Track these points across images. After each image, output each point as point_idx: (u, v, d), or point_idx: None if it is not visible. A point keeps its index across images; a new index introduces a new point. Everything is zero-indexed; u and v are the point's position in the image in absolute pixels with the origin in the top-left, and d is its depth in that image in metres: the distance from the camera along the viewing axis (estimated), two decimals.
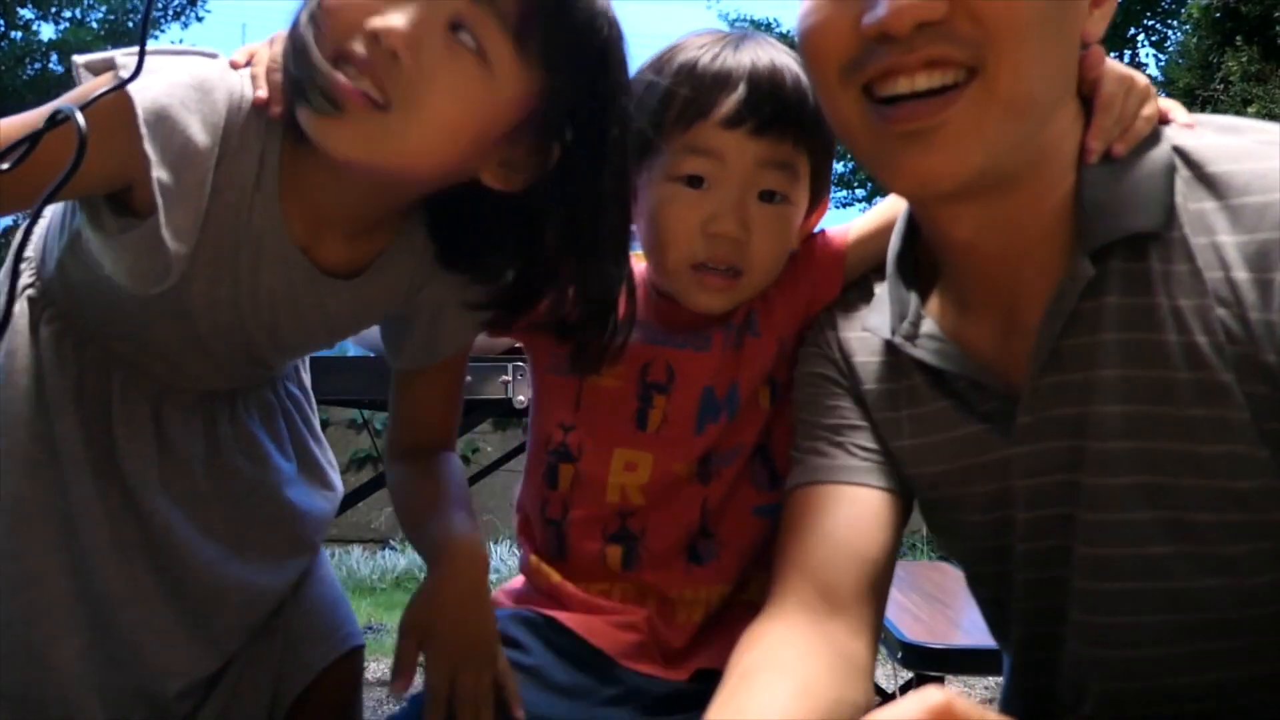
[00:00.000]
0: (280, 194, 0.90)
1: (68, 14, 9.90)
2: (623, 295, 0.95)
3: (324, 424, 4.91)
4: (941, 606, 1.87)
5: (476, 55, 0.79)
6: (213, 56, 0.91)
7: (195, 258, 0.89)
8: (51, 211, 1.03)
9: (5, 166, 0.78)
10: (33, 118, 0.84)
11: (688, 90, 0.92)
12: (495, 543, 4.86)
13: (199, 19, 10.28)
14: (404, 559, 4.82)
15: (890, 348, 0.89)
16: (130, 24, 9.62)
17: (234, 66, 0.90)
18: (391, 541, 5.16)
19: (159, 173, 0.82)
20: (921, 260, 0.90)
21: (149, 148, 0.82)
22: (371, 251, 0.97)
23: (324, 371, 1.74)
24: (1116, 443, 0.78)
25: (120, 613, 1.03)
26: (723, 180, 0.93)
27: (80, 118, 0.75)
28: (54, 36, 9.78)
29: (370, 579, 4.66)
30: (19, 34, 9.66)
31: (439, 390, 1.08)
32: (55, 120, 0.78)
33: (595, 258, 0.90)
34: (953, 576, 2.26)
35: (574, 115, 0.85)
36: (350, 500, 1.80)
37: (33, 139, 0.78)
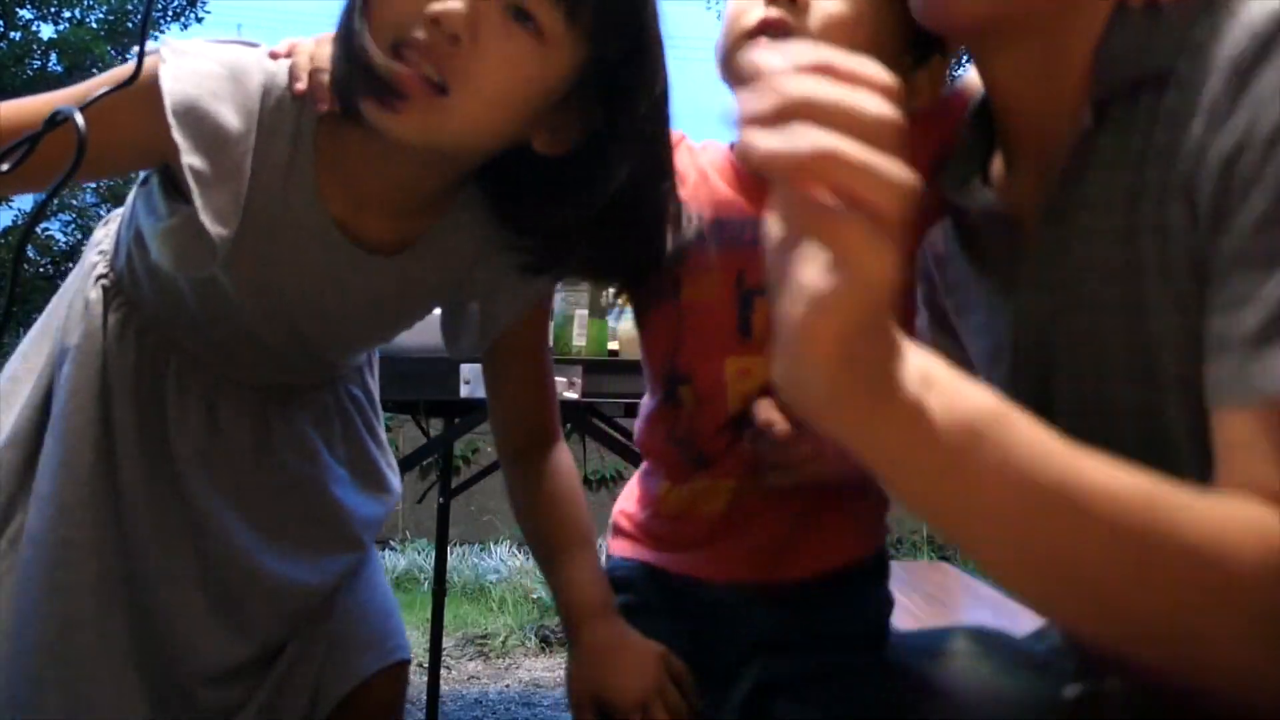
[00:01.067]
0: (318, 174, 0.92)
1: (67, 14, 9.90)
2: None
3: None
4: (941, 606, 1.87)
5: (532, 33, 0.81)
6: (253, 46, 0.94)
7: (239, 241, 0.91)
8: (128, 203, 1.06)
9: (5, 168, 0.78)
10: (30, 109, 0.85)
11: None
12: (495, 543, 4.86)
13: (199, 19, 10.28)
14: (404, 559, 4.81)
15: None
16: (130, 24, 9.63)
17: (273, 56, 0.93)
18: (391, 542, 5.15)
19: (190, 159, 0.84)
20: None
21: (177, 136, 0.84)
22: (418, 230, 0.98)
23: None
24: (1103, 288, 0.74)
25: (157, 593, 1.04)
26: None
27: (79, 118, 0.75)
28: (53, 36, 9.78)
29: None
30: (18, 33, 9.66)
31: (524, 375, 1.08)
32: (55, 121, 0.78)
33: (644, 206, 0.92)
34: (953, 576, 2.26)
35: (617, 76, 0.87)
36: None
37: (32, 140, 0.78)
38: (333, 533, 1.15)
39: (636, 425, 1.09)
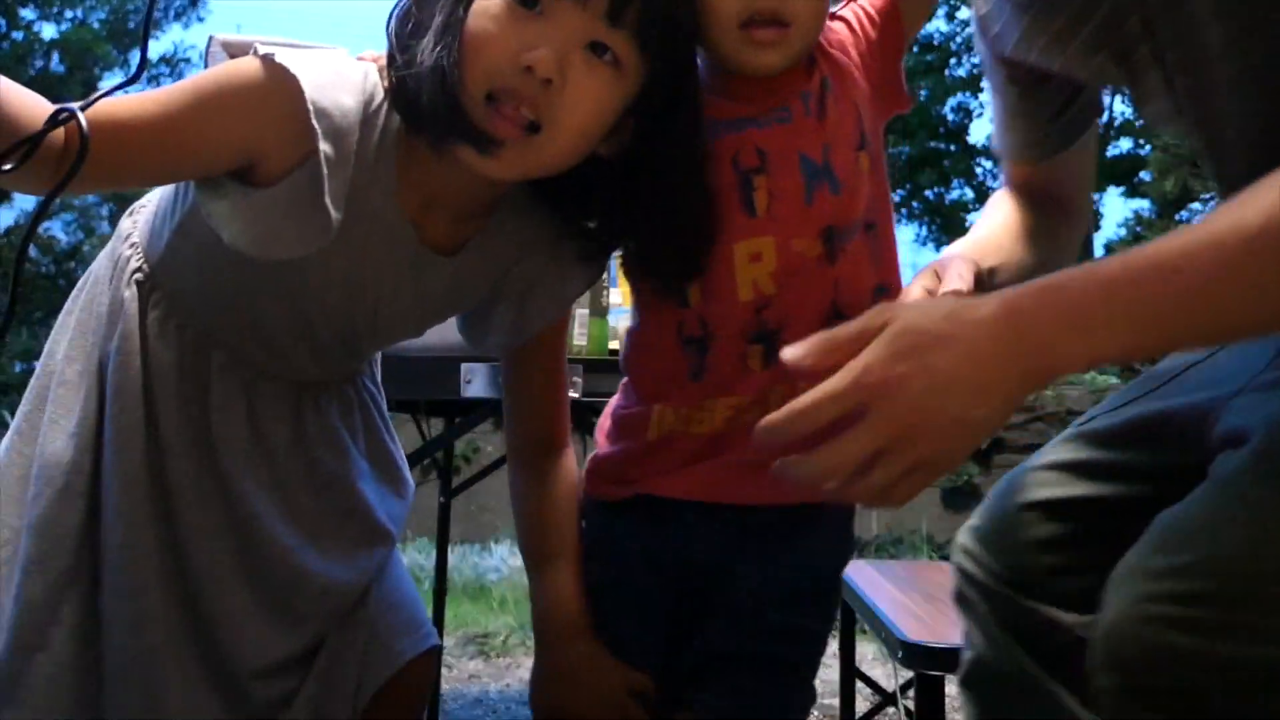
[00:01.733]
0: (397, 173, 0.96)
1: (69, 14, 9.92)
2: None
3: None
4: (942, 606, 1.87)
5: (610, 64, 0.89)
6: (333, 49, 0.98)
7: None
8: (160, 194, 1.07)
9: (7, 167, 0.78)
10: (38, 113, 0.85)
11: None
12: (495, 542, 4.87)
13: (200, 19, 10.30)
14: (404, 558, 4.81)
15: None
16: (131, 24, 9.64)
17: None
18: None
19: (324, 145, 0.89)
20: None
21: (316, 123, 0.89)
22: (472, 231, 1.02)
23: None
24: None
25: (205, 590, 1.06)
26: None
27: (83, 118, 0.76)
28: (55, 36, 9.80)
29: None
30: (20, 33, 9.67)
31: (543, 379, 1.12)
32: (56, 120, 0.78)
33: (684, 194, 0.97)
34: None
35: (670, 80, 0.94)
36: None
37: (34, 139, 0.79)
38: (365, 529, 1.16)
39: (623, 351, 1.09)
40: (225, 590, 1.07)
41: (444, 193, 0.99)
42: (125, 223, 1.12)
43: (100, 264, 1.12)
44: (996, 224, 1.15)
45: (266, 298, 1.03)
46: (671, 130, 0.95)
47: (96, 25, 9.79)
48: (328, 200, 0.91)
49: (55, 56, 9.47)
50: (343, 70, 0.94)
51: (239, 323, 1.06)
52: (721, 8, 0.94)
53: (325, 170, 0.90)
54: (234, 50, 0.94)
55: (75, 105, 0.82)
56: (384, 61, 0.95)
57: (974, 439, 0.74)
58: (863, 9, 1.06)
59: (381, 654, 1.16)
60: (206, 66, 0.97)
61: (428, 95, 0.88)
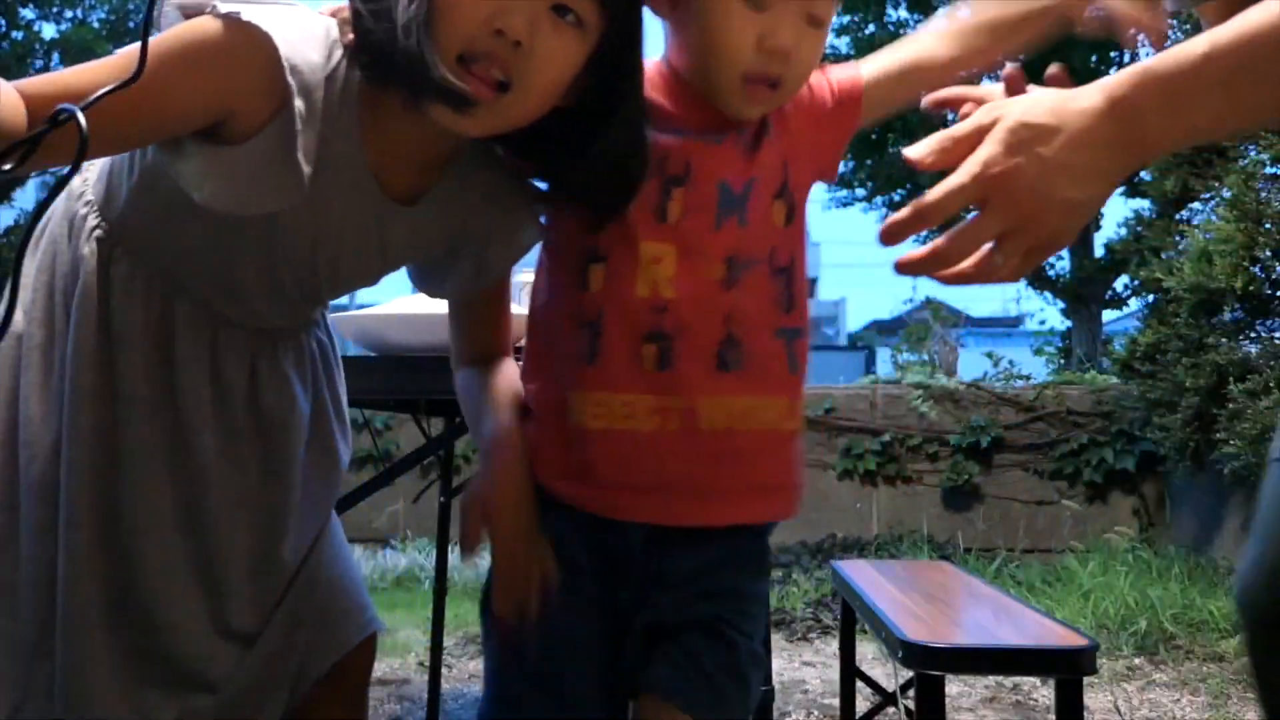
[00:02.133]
0: (361, 125, 0.99)
1: (69, 14, 9.91)
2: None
3: None
4: (942, 605, 1.87)
5: (574, 25, 0.93)
6: (291, 4, 0.99)
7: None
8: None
9: (8, 167, 0.78)
10: (102, 69, 0.88)
11: None
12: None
13: None
14: (404, 558, 4.82)
15: None
16: (131, 24, 9.64)
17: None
18: (392, 541, 5.16)
19: (298, 102, 0.92)
20: None
21: (290, 79, 0.91)
22: (431, 182, 1.06)
23: None
24: None
25: (142, 546, 1.07)
26: (786, 2, 1.00)
27: (82, 119, 0.76)
28: (55, 36, 9.79)
29: (371, 578, 4.66)
30: (20, 33, 9.66)
31: (490, 314, 1.18)
32: (57, 120, 0.78)
33: (629, 134, 1.01)
34: (952, 576, 2.26)
35: (621, 34, 0.99)
36: (351, 500, 1.80)
37: (34, 139, 0.79)
38: (310, 474, 1.18)
39: (526, 333, 1.13)
40: (161, 542, 1.07)
41: (405, 145, 1.02)
42: (76, 181, 1.11)
43: (56, 224, 1.11)
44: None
45: (234, 250, 1.04)
46: (623, 77, 1.00)
47: (96, 25, 9.79)
48: (300, 156, 0.93)
49: (55, 56, 9.47)
50: (308, 26, 0.96)
51: (205, 274, 1.07)
52: (734, 58, 1.01)
53: (299, 126, 0.92)
54: (189, 11, 0.94)
55: (74, 105, 0.82)
56: (344, 14, 0.97)
57: (1083, 219, 0.85)
58: (830, 81, 1.12)
59: (325, 640, 1.18)
60: (160, 29, 0.96)
61: (400, 55, 0.90)
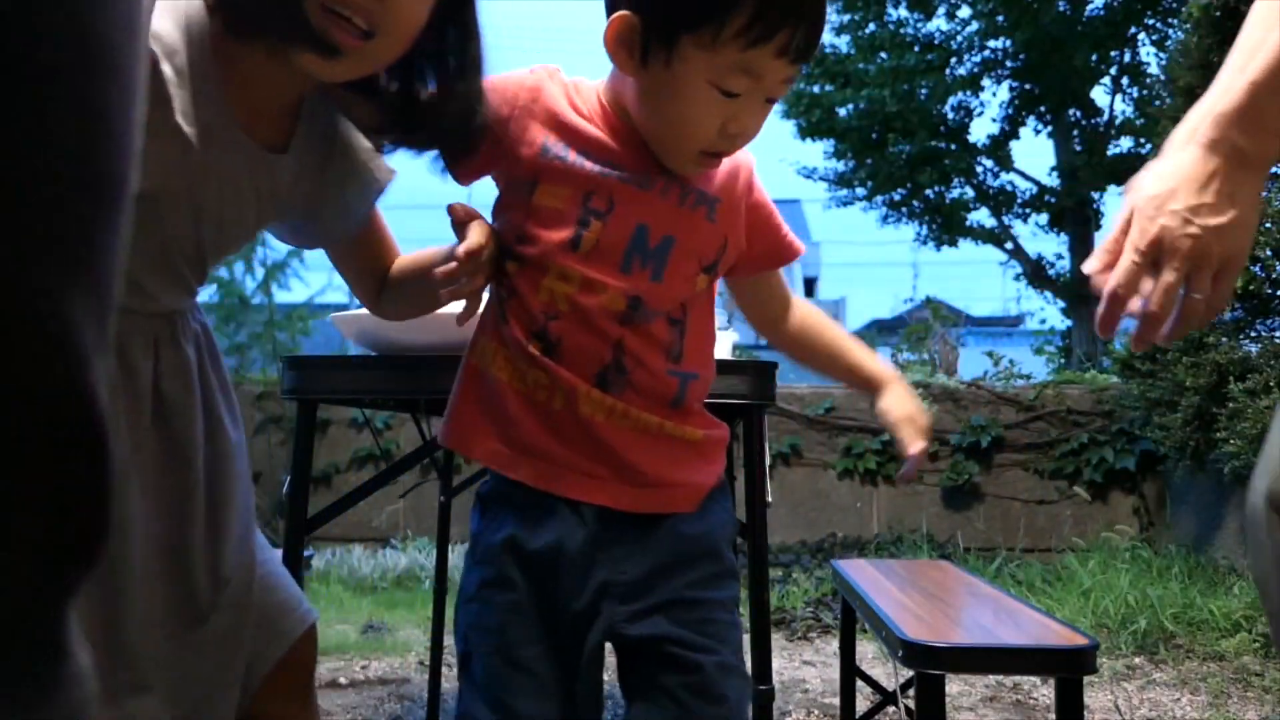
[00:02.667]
0: (220, 80, 1.02)
1: None
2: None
3: (324, 424, 4.93)
4: (942, 605, 1.87)
5: None
6: None
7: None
8: None
9: None
10: None
11: (756, 13, 1.00)
12: None
13: None
14: (404, 558, 4.82)
15: None
16: None
17: None
18: (392, 540, 5.16)
19: (165, 67, 0.95)
20: None
21: (154, 46, 0.94)
22: (290, 129, 1.11)
23: (324, 371, 1.74)
24: None
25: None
26: (753, 92, 1.05)
27: None
28: None
29: (371, 578, 4.67)
30: None
31: (375, 251, 1.27)
32: None
33: (471, 77, 1.09)
34: (952, 575, 2.26)
35: None
36: (351, 499, 1.80)
37: None
38: (210, 480, 1.16)
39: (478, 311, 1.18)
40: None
41: (266, 93, 1.07)
42: None
43: None
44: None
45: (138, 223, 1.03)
46: (463, 25, 1.08)
47: None
48: (179, 119, 0.96)
49: None
50: None
51: None
52: (698, 136, 1.06)
53: (170, 90, 0.95)
54: None
55: None
56: None
57: (1241, 236, 0.97)
58: (776, 223, 1.22)
59: (269, 635, 1.18)
60: None
61: (271, 4, 0.96)
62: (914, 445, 1.21)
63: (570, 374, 1.08)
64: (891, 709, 2.29)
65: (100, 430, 0.42)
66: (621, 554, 1.08)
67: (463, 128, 1.09)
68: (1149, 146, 10.14)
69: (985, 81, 11.29)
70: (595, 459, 1.08)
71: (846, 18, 10.94)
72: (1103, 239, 1.02)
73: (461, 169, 1.14)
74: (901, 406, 1.24)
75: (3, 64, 0.38)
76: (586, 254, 1.08)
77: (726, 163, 1.14)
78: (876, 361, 1.29)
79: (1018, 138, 11.53)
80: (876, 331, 12.84)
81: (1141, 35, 10.70)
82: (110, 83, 0.42)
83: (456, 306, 1.15)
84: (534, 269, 1.09)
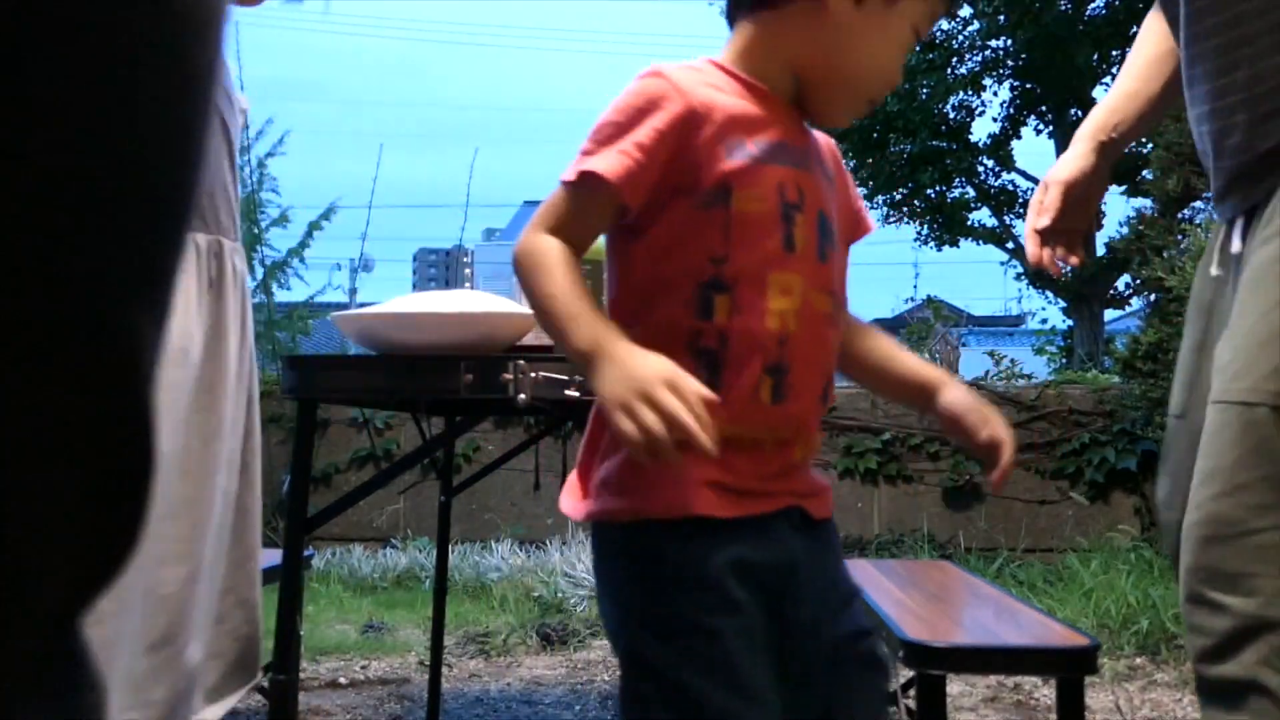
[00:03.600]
0: None
1: None
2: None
3: (324, 423, 4.92)
4: (942, 605, 1.87)
5: None
6: None
7: None
8: None
9: None
10: None
11: None
12: (496, 541, 4.87)
13: None
14: (405, 557, 4.82)
15: None
16: None
17: None
18: (393, 540, 5.16)
19: None
20: None
21: None
22: None
23: (324, 370, 1.74)
24: None
25: None
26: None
27: None
28: None
29: (371, 577, 4.66)
30: None
31: None
32: None
33: None
34: (953, 575, 2.26)
35: None
36: (351, 499, 1.80)
37: None
38: None
39: None
40: None
41: None
42: None
43: None
44: (1137, 64, 1.46)
45: None
46: None
47: None
48: None
49: None
50: None
51: None
52: (887, 78, 1.06)
53: None
54: None
55: None
56: None
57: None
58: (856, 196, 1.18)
59: (236, 670, 1.23)
60: None
61: None
62: (997, 431, 1.08)
63: (800, 405, 1.01)
64: (892, 709, 2.29)
65: (151, 457, 0.42)
66: (822, 556, 1.07)
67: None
68: (1150, 145, 10.12)
69: (987, 81, 11.29)
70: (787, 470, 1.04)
71: None
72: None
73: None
74: (968, 396, 1.11)
75: (112, 91, 0.38)
76: (799, 253, 1.00)
77: (816, 134, 1.11)
78: (926, 365, 1.18)
79: (1019, 137, 11.53)
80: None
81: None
82: (198, 109, 0.43)
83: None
84: (751, 295, 0.98)
